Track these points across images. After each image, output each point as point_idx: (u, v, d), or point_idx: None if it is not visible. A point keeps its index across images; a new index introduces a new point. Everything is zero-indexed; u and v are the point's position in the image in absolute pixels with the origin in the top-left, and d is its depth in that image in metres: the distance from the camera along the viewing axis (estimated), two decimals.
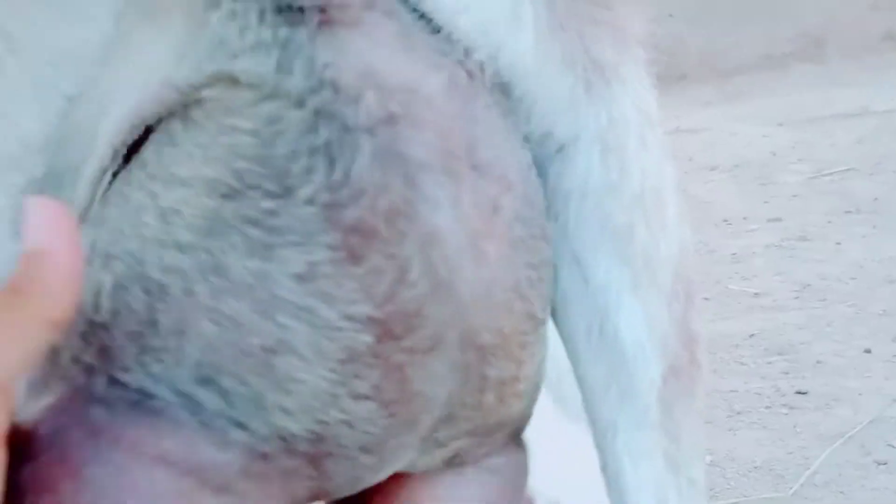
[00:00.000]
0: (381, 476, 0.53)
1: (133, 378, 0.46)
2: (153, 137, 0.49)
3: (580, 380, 0.58)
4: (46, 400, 0.48)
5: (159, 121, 0.49)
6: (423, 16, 0.49)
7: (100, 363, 0.47)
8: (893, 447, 1.89)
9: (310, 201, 0.45)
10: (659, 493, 0.57)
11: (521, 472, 0.62)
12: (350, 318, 0.45)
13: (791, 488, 1.81)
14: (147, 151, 0.49)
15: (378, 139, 0.45)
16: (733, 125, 4.16)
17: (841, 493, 1.78)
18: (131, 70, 0.50)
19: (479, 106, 0.49)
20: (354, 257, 0.45)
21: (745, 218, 3.13)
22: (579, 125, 0.55)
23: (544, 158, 0.55)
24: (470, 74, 0.49)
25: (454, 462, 0.57)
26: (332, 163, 0.45)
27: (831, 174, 3.40)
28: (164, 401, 0.46)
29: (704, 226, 3.09)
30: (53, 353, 0.48)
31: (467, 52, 0.49)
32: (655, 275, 0.57)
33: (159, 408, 0.46)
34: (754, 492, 1.82)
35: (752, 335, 2.39)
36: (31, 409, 0.48)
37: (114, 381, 0.46)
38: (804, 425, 2.00)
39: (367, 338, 0.46)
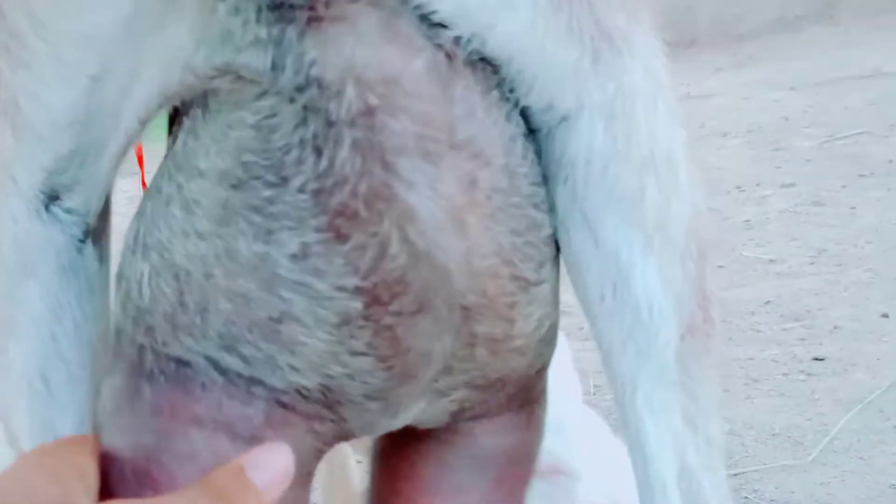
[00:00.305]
0: (396, 423, 0.58)
1: (171, 350, 0.52)
2: (182, 126, 0.53)
3: (598, 339, 0.60)
4: (112, 381, 0.54)
5: (183, 104, 0.53)
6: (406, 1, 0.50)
7: (147, 341, 0.53)
8: None
9: (301, 189, 0.50)
10: (678, 449, 0.59)
11: (524, 447, 0.63)
12: (340, 288, 0.51)
13: (810, 455, 1.80)
14: (178, 142, 0.53)
15: (358, 130, 0.49)
16: (746, 90, 4.13)
17: (860, 458, 1.78)
18: (153, 50, 0.52)
19: (458, 87, 0.52)
20: (340, 237, 0.50)
21: (758, 184, 3.12)
22: (583, 97, 0.56)
23: (550, 127, 0.57)
24: (450, 56, 0.51)
25: (460, 415, 0.59)
26: (319, 154, 0.49)
27: (845, 137, 3.37)
28: (197, 366, 0.52)
29: (717, 193, 3.07)
30: (117, 336, 0.54)
31: (448, 34, 0.51)
32: (668, 234, 0.58)
33: (191, 375, 0.52)
34: (773, 459, 1.82)
35: (768, 302, 2.38)
36: (104, 389, 0.54)
37: (157, 354, 0.52)
38: (822, 391, 2.00)
39: (356, 304, 0.51)
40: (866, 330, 2.18)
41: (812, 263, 2.55)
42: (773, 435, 1.89)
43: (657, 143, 0.58)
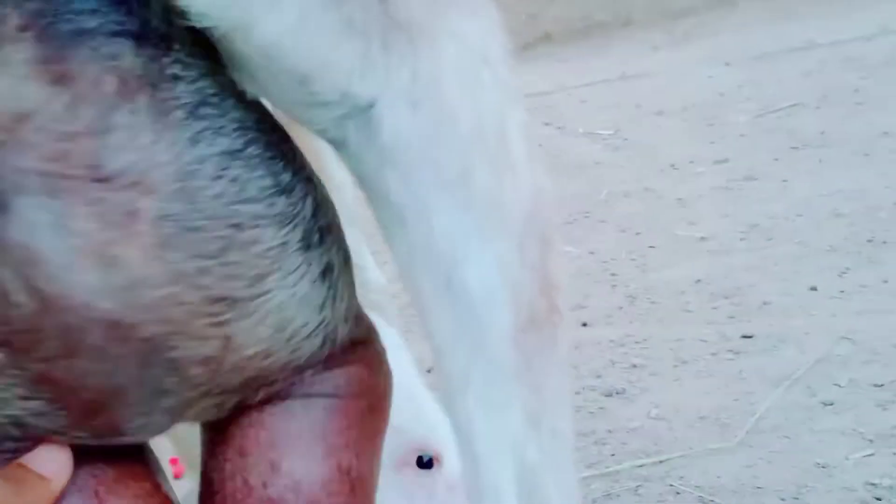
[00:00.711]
0: (141, 436, 0.56)
1: None
2: None
3: (431, 336, 0.56)
4: None
5: None
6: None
7: None
8: (840, 387, 1.84)
9: None
10: (517, 449, 0.55)
11: (355, 386, 0.60)
12: None
13: (737, 436, 1.75)
14: None
15: None
16: (682, 68, 4.09)
17: (786, 437, 1.73)
18: None
19: (121, 112, 0.48)
20: None
21: (691, 161, 3.07)
22: (378, 85, 0.53)
23: (354, 116, 0.54)
24: (124, 80, 0.48)
25: (243, 402, 0.57)
26: None
27: (778, 111, 3.34)
28: None
29: (651, 172, 3.03)
30: None
31: (130, 58, 0.49)
32: (503, 218, 0.55)
33: None
34: (700, 443, 1.77)
35: (698, 280, 2.34)
36: None
37: None
38: (750, 370, 1.95)
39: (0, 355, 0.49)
40: (796, 304, 2.14)
41: (743, 239, 2.51)
42: (701, 418, 1.84)
43: (483, 121, 0.55)
